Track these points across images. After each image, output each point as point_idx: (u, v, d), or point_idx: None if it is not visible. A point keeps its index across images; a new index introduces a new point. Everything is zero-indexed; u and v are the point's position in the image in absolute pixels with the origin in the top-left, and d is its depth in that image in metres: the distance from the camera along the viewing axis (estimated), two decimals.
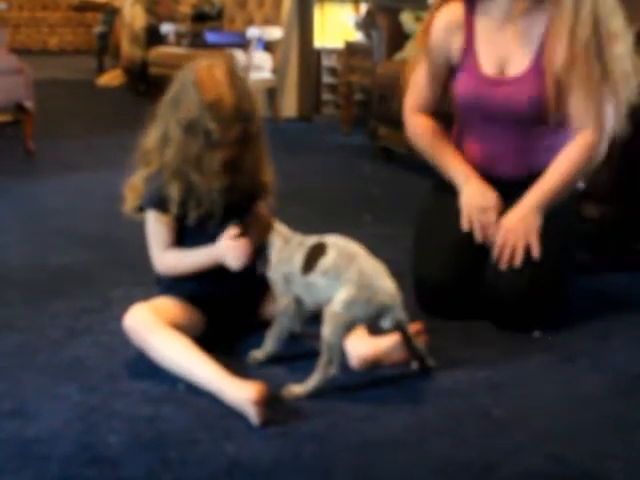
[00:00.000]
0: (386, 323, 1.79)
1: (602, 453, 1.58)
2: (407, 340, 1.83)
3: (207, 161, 1.89)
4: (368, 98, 5.04)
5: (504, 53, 2.21)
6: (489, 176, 2.25)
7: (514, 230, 2.12)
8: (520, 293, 2.10)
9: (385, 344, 1.86)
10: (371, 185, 3.87)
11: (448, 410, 1.74)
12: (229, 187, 1.92)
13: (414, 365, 1.88)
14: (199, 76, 1.88)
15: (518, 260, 2.11)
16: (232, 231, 1.90)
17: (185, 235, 1.99)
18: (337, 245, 1.83)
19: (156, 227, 1.98)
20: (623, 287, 2.49)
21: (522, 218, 2.13)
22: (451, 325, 2.17)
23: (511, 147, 2.23)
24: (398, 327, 1.80)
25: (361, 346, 1.86)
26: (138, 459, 1.54)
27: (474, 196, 2.21)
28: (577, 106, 2.14)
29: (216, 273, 1.95)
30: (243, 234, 1.90)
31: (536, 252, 2.10)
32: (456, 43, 2.26)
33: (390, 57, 4.47)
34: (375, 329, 1.85)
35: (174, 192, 1.91)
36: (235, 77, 1.90)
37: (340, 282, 1.77)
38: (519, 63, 2.19)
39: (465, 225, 2.21)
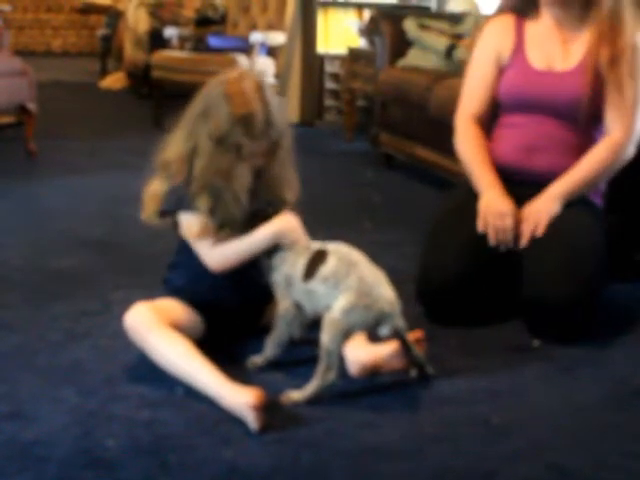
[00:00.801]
0: (385, 331, 1.79)
1: (601, 463, 1.58)
2: (406, 348, 1.84)
3: (238, 173, 1.89)
4: (371, 105, 5.04)
5: (552, 53, 2.34)
6: (525, 169, 2.31)
7: (529, 215, 2.23)
8: (561, 296, 2.10)
9: (384, 351, 1.86)
10: (372, 191, 3.87)
11: (447, 418, 1.74)
12: (251, 193, 1.91)
13: (413, 373, 1.88)
14: (229, 89, 1.87)
15: (523, 243, 2.20)
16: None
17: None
18: (338, 253, 1.83)
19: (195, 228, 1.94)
20: (623, 297, 2.49)
21: (540, 205, 2.23)
22: (451, 333, 2.17)
23: (549, 140, 2.30)
24: (397, 335, 1.81)
25: (360, 353, 1.86)
26: (136, 463, 1.53)
27: (493, 201, 2.25)
28: (610, 106, 2.26)
29: (223, 281, 1.96)
30: None
31: (540, 232, 2.19)
32: (507, 47, 2.39)
33: (393, 64, 4.48)
34: (374, 337, 1.85)
35: (203, 205, 1.89)
36: (265, 90, 1.89)
37: (339, 290, 1.77)
38: (567, 62, 2.32)
39: (480, 227, 2.25)
